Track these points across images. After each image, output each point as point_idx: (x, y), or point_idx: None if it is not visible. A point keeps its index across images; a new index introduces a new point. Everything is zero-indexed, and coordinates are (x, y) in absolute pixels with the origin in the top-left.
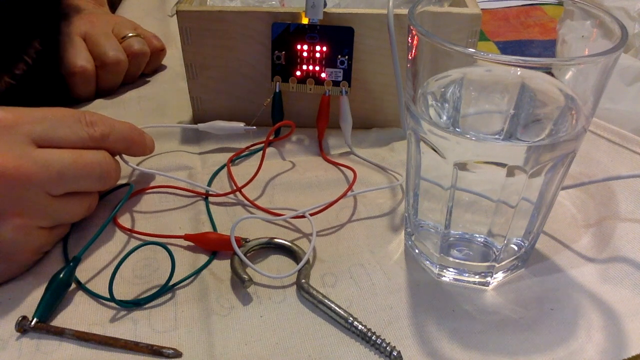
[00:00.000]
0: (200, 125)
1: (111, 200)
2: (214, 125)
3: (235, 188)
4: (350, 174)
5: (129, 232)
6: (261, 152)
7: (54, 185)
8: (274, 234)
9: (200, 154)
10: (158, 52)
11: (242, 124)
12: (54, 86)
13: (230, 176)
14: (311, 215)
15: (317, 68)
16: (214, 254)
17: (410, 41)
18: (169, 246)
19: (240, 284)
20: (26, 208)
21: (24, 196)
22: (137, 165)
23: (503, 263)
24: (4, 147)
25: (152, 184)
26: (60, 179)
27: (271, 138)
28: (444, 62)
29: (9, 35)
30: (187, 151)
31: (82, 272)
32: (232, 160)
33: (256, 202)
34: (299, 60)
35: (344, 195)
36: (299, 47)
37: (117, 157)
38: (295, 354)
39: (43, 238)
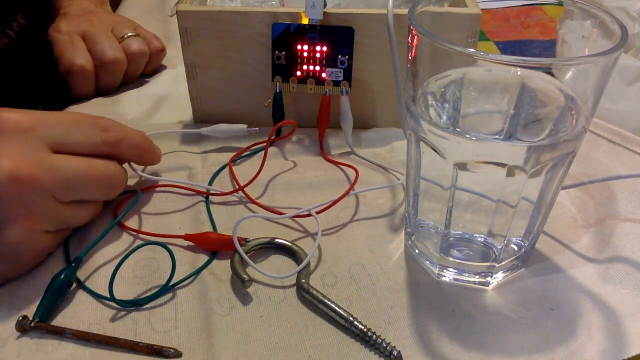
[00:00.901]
0: (203, 130)
1: (113, 202)
2: (217, 128)
3: (237, 187)
4: (350, 173)
5: (129, 232)
6: (262, 151)
7: (63, 193)
8: (274, 233)
9: (200, 153)
10: (158, 52)
11: (244, 126)
12: (53, 85)
13: (232, 175)
14: (317, 213)
15: (317, 68)
16: (214, 254)
17: (410, 41)
18: (169, 246)
19: (240, 283)
20: (35, 212)
21: (34, 201)
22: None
23: (503, 263)
24: (19, 151)
25: (153, 184)
26: (71, 187)
27: (272, 138)
28: (444, 62)
29: None
30: (187, 151)
31: (82, 272)
32: (232, 160)
33: (256, 199)
34: (299, 60)
35: (347, 193)
36: (299, 47)
37: (125, 165)
38: (295, 353)
39: (48, 241)
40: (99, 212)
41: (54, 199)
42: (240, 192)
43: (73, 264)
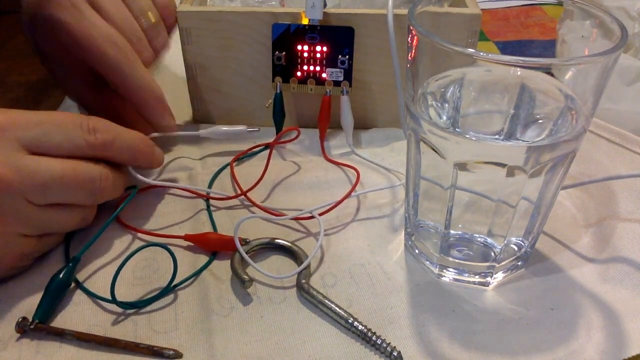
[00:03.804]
0: (202, 132)
1: (113, 200)
2: (216, 130)
3: (240, 191)
4: (351, 174)
5: (129, 232)
6: (261, 153)
7: (36, 195)
8: (275, 234)
9: (200, 154)
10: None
11: (244, 127)
12: None
13: (234, 180)
14: (319, 215)
15: (317, 68)
16: (214, 255)
17: (410, 41)
18: (169, 246)
19: (240, 284)
20: (6, 215)
21: (4, 202)
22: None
23: (503, 263)
24: None
25: (153, 184)
26: (44, 189)
27: (275, 142)
28: (444, 62)
29: None
30: (187, 152)
31: (83, 273)
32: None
33: (257, 202)
34: (299, 60)
35: (348, 194)
36: (299, 47)
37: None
38: (295, 354)
39: (28, 245)
40: (91, 218)
41: (29, 202)
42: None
43: (71, 264)
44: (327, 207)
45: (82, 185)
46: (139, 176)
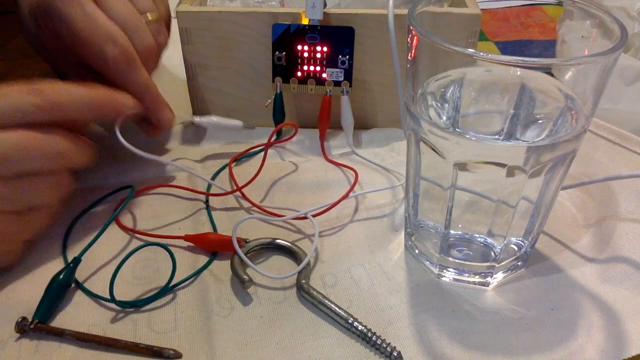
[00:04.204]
0: (197, 119)
1: (112, 201)
2: (211, 119)
3: (235, 188)
4: (350, 174)
5: (129, 233)
6: (260, 153)
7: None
8: (275, 234)
9: (200, 154)
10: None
11: (239, 122)
12: None
13: (231, 176)
14: (313, 216)
15: (318, 68)
16: (214, 255)
17: (410, 41)
18: (169, 247)
19: (240, 284)
20: None
21: None
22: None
23: (503, 263)
24: None
25: (152, 184)
26: (4, 161)
27: (273, 140)
28: (444, 62)
29: None
30: (187, 152)
31: (82, 272)
32: (232, 162)
33: (257, 203)
34: (299, 60)
35: (345, 196)
36: (299, 47)
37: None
38: (295, 354)
39: (8, 223)
40: (66, 184)
41: None
42: (239, 193)
43: (71, 265)
44: (323, 209)
45: (40, 148)
46: (123, 141)
